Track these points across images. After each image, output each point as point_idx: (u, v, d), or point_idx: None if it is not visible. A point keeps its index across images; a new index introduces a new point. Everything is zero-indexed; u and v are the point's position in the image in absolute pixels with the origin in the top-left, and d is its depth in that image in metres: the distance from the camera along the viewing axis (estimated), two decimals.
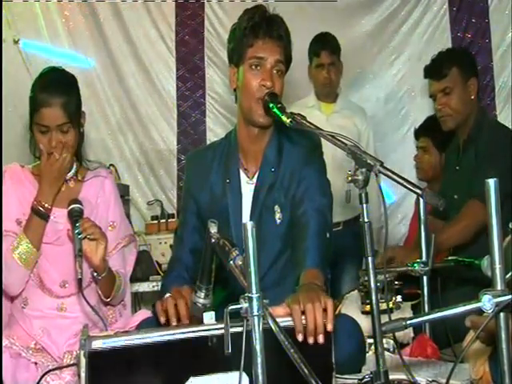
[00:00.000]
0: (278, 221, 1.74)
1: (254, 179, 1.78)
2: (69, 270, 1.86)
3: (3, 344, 1.82)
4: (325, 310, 1.33)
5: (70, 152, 1.89)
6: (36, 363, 1.81)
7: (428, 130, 2.83)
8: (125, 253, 2.03)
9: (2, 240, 1.87)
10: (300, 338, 1.28)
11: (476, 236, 2.12)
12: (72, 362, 1.78)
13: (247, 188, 1.78)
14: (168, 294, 1.60)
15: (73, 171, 1.96)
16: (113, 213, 2.00)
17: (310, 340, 1.28)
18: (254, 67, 1.71)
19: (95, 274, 1.82)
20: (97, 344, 1.23)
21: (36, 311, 1.90)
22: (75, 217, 1.78)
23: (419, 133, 2.96)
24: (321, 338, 1.28)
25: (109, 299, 1.90)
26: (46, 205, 1.84)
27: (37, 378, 1.73)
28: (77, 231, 1.73)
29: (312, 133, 1.63)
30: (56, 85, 1.88)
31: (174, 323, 1.52)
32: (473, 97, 2.32)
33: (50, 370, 1.74)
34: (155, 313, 1.76)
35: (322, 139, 1.52)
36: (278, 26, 1.72)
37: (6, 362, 1.76)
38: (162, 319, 1.54)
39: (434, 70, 2.35)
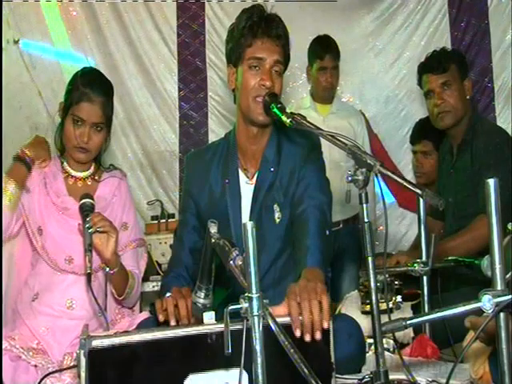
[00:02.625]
0: (278, 220, 1.74)
1: (254, 179, 1.78)
2: (75, 245, 1.87)
3: (3, 347, 1.82)
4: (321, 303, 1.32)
5: (97, 152, 1.96)
6: (36, 366, 1.81)
7: (427, 133, 2.79)
8: (138, 254, 2.04)
9: (2, 237, 1.90)
10: (298, 333, 1.27)
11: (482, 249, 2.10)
12: (72, 364, 1.79)
13: (246, 188, 1.78)
14: (168, 294, 1.60)
15: (90, 171, 2.00)
16: (127, 214, 2.03)
17: (307, 337, 1.27)
18: (253, 67, 1.70)
19: (107, 268, 1.83)
20: (97, 343, 1.23)
21: (45, 307, 1.90)
22: (86, 211, 1.79)
23: (418, 137, 2.90)
24: (318, 335, 1.28)
25: (122, 297, 1.91)
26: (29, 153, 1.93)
27: (36, 380, 1.73)
28: (87, 225, 1.75)
29: (312, 133, 1.63)
30: (99, 84, 1.96)
31: (173, 323, 1.51)
32: (468, 97, 2.31)
33: (49, 373, 1.74)
34: (153, 312, 1.76)
35: (321, 139, 1.52)
36: (276, 26, 1.72)
37: (6, 365, 1.76)
38: (161, 317, 1.53)
39: (434, 64, 2.32)
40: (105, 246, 1.78)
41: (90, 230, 1.74)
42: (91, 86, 1.92)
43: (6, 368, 1.75)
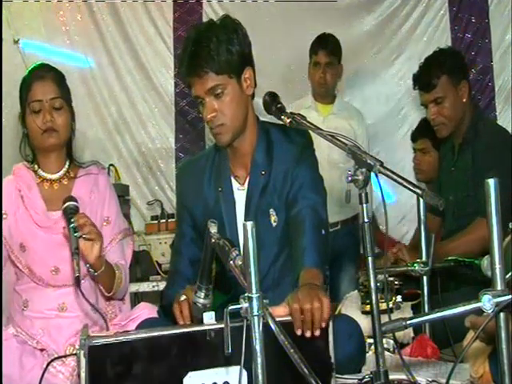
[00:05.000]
0: (274, 224, 1.72)
1: (245, 185, 1.76)
2: (61, 257, 1.86)
3: (10, 332, 1.84)
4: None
5: (65, 134, 1.92)
6: (42, 350, 1.83)
7: (426, 131, 2.80)
8: (123, 245, 2.03)
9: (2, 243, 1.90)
10: (299, 332, 1.31)
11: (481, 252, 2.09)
12: (75, 352, 1.79)
13: (239, 194, 1.76)
14: (183, 297, 1.58)
15: (65, 169, 1.98)
16: (108, 208, 2.00)
17: (308, 334, 1.30)
18: (200, 105, 1.71)
19: (91, 270, 1.82)
20: (96, 343, 1.23)
21: (37, 312, 1.90)
22: (70, 214, 1.77)
23: (417, 135, 2.94)
24: (317, 332, 1.31)
25: (111, 293, 1.90)
26: None
27: (43, 364, 1.75)
28: (71, 225, 1.73)
29: (303, 130, 1.63)
30: (47, 66, 1.97)
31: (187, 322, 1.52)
32: (465, 99, 2.28)
33: (56, 358, 1.77)
34: (159, 313, 1.76)
35: (322, 139, 1.51)
36: (201, 56, 1.64)
37: (13, 347, 1.78)
38: (181, 322, 1.54)
39: (423, 81, 2.30)
40: (89, 251, 1.76)
41: (75, 234, 1.72)
42: (39, 68, 1.95)
43: (14, 350, 1.78)
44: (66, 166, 1.98)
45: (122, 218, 2.09)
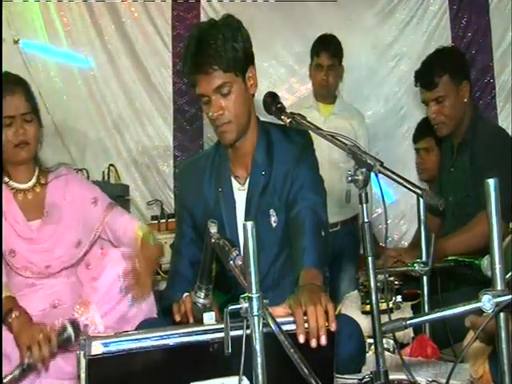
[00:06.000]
0: (274, 224, 1.72)
1: (246, 185, 1.76)
2: (49, 256, 1.92)
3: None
4: (326, 313, 1.32)
5: (35, 144, 1.95)
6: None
7: (429, 130, 2.80)
8: (121, 211, 2.08)
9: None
10: (302, 339, 1.26)
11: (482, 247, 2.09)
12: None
13: (240, 195, 1.76)
14: (186, 294, 1.58)
15: (35, 177, 2.00)
16: (88, 191, 2.04)
17: (313, 343, 1.25)
18: (204, 103, 1.70)
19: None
20: (96, 345, 1.22)
21: (30, 314, 1.89)
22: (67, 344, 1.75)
23: (418, 135, 2.94)
24: (323, 340, 1.26)
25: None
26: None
27: None
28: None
29: (303, 130, 1.62)
30: (11, 75, 2.00)
31: (191, 321, 1.51)
32: (465, 99, 2.29)
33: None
34: (159, 314, 1.76)
35: (322, 139, 1.51)
36: (208, 53, 1.64)
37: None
38: (177, 317, 1.54)
39: (425, 79, 2.30)
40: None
41: None
42: (7, 80, 1.95)
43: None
44: (36, 174, 2.01)
45: (106, 195, 2.12)
